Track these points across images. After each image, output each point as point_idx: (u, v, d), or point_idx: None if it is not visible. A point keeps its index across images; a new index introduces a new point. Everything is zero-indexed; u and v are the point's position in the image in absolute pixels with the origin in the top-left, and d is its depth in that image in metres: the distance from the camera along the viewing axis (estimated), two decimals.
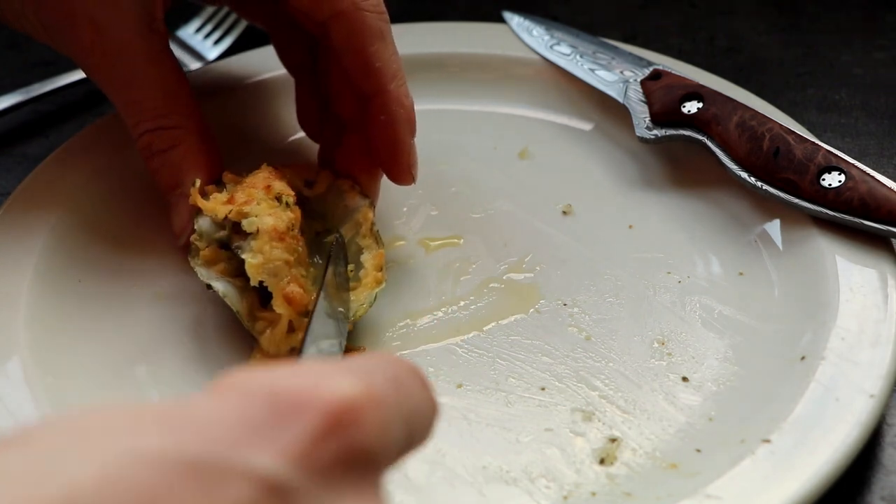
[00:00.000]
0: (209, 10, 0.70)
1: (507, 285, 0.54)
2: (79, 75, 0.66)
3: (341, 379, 0.29)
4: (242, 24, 0.70)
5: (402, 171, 0.55)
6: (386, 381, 0.31)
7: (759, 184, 0.54)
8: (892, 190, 0.52)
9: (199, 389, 0.46)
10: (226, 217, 0.51)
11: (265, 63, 0.63)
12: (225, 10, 0.70)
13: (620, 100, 0.59)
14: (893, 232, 0.51)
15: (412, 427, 0.32)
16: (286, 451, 0.27)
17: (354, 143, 0.56)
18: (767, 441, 0.46)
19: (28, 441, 0.26)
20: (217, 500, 0.26)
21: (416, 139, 0.55)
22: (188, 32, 0.69)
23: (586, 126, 0.61)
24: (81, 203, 0.57)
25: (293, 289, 0.49)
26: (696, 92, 0.57)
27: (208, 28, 0.69)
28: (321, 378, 0.29)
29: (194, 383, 0.50)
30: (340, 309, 0.49)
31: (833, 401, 0.46)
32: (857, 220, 0.52)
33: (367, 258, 0.54)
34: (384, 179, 0.56)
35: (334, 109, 0.56)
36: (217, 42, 0.69)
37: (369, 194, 0.56)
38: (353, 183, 0.55)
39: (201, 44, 0.69)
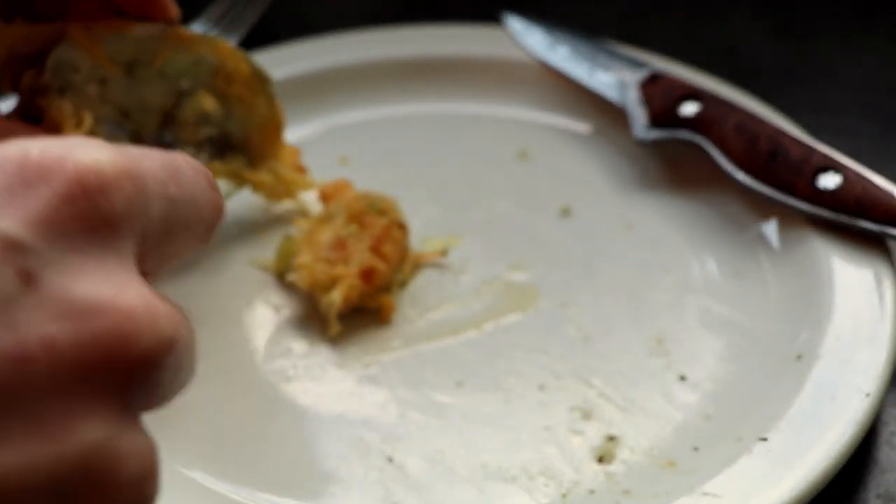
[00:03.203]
0: (214, 11, 0.70)
1: (506, 285, 0.55)
2: None
3: (95, 149, 0.30)
4: (248, 23, 0.69)
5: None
6: (154, 162, 0.32)
7: (755, 184, 0.54)
8: (887, 190, 0.52)
9: None
10: None
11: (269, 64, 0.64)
12: (231, 11, 0.70)
13: (619, 102, 0.60)
14: (889, 232, 0.52)
15: (179, 211, 0.32)
16: (26, 214, 0.28)
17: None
18: (764, 439, 0.46)
19: None
20: None
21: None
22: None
23: (585, 128, 0.61)
24: None
25: None
26: (694, 94, 0.58)
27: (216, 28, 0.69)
28: (75, 147, 0.29)
29: None
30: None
31: (829, 399, 0.47)
32: (853, 220, 0.52)
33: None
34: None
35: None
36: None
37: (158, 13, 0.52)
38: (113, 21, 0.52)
39: None
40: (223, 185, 0.54)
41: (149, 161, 0.31)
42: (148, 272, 0.36)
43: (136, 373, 0.28)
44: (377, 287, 0.53)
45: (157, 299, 0.29)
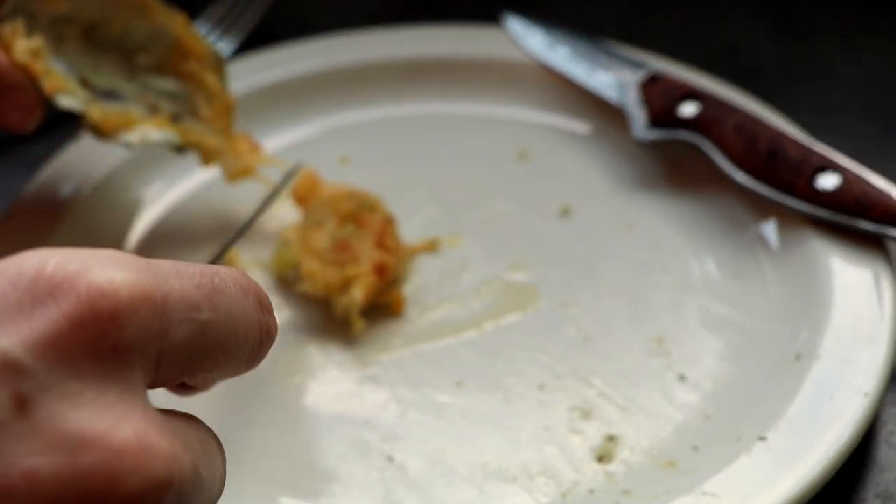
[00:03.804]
0: (215, 12, 0.70)
1: (506, 285, 0.55)
2: None
3: (113, 269, 0.28)
4: (248, 24, 0.69)
5: None
6: (187, 282, 0.30)
7: (755, 185, 0.55)
8: (886, 190, 0.52)
9: None
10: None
11: (269, 64, 0.64)
12: (231, 11, 0.70)
13: (618, 102, 0.60)
14: (888, 232, 0.52)
15: (211, 335, 0.30)
16: (30, 333, 0.27)
17: None
18: (764, 439, 0.46)
19: None
20: None
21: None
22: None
23: (585, 128, 0.62)
24: (89, 205, 0.57)
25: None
26: (694, 94, 0.58)
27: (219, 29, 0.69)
28: (94, 263, 0.28)
29: None
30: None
31: (828, 399, 0.47)
32: (852, 220, 0.52)
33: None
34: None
35: None
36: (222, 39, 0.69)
37: None
38: None
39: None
40: (168, 133, 0.54)
41: (179, 281, 0.30)
42: (195, 388, 0.34)
43: None
44: (388, 282, 0.53)
45: (158, 435, 0.28)
